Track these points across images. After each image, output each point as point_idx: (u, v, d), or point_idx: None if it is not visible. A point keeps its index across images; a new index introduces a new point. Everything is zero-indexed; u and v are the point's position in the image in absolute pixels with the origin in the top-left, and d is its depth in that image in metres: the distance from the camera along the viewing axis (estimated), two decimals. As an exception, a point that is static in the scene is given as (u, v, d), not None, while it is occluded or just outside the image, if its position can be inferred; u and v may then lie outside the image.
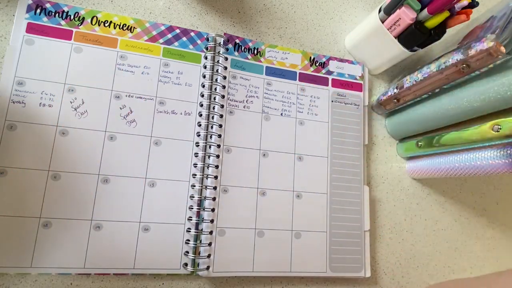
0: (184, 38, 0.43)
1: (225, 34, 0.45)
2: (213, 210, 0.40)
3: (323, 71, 0.49)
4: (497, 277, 0.26)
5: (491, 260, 0.53)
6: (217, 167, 0.41)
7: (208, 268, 0.39)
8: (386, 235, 0.48)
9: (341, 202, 0.45)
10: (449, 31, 0.44)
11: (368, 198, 0.47)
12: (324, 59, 0.49)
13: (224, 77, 0.44)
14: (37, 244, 0.35)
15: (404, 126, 0.49)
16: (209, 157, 0.41)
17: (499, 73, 0.35)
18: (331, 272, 0.43)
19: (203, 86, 0.43)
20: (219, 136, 0.42)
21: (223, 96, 0.43)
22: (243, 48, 0.46)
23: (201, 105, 0.42)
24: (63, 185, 0.36)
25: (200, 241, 0.39)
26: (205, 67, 0.43)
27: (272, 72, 0.46)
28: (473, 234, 0.53)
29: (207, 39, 0.44)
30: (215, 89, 0.43)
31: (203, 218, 0.39)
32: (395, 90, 0.46)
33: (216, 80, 0.43)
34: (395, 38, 0.44)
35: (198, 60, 0.43)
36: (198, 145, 0.41)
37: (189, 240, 0.39)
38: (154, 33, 0.42)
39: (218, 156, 0.41)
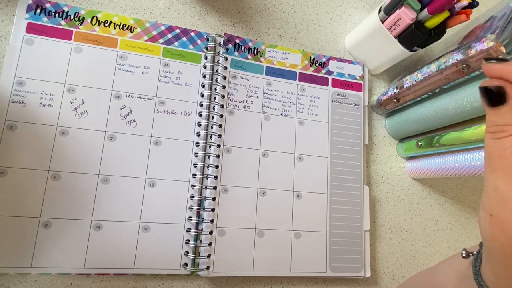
0: (184, 38, 0.43)
1: (225, 34, 0.45)
2: (213, 210, 0.40)
3: (323, 71, 0.49)
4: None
5: (491, 260, 0.53)
6: (217, 167, 0.41)
7: (208, 268, 0.39)
8: (386, 235, 0.48)
9: (341, 202, 0.45)
10: (449, 31, 0.44)
11: (368, 198, 0.47)
12: (324, 59, 0.49)
13: (224, 77, 0.44)
14: (37, 244, 0.35)
15: (404, 126, 0.49)
16: (209, 157, 0.41)
17: (499, 73, 0.35)
18: (331, 272, 0.43)
19: (203, 86, 0.43)
20: (219, 136, 0.42)
21: (223, 96, 0.43)
22: (243, 48, 0.46)
23: (201, 105, 0.42)
24: (63, 185, 0.36)
25: (200, 241, 0.39)
26: (205, 67, 0.43)
27: (272, 72, 0.46)
28: (473, 234, 0.53)
29: (207, 39, 0.44)
30: (215, 89, 0.43)
31: (203, 218, 0.39)
32: (395, 90, 0.46)
33: (216, 80, 0.43)
34: (395, 38, 0.44)
35: (198, 60, 0.43)
36: (198, 145, 0.41)
37: (189, 240, 0.39)
38: (154, 33, 0.42)
39: (218, 156, 0.41)
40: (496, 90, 0.15)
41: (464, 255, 0.23)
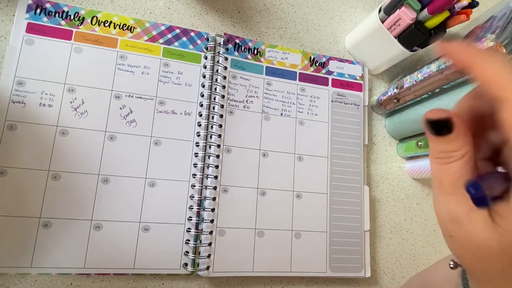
0: (184, 38, 0.43)
1: (225, 34, 0.45)
2: (213, 210, 0.40)
3: (323, 71, 0.49)
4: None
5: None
6: (217, 167, 0.41)
7: (208, 268, 0.39)
8: (386, 235, 0.48)
9: (341, 202, 0.45)
10: (449, 31, 0.44)
11: (368, 198, 0.47)
12: (324, 59, 0.49)
13: (224, 77, 0.44)
14: (37, 244, 0.35)
15: (404, 126, 0.49)
16: (209, 157, 0.41)
17: (499, 73, 0.35)
18: (331, 272, 0.43)
19: (203, 86, 0.43)
20: (219, 136, 0.42)
21: (223, 96, 0.43)
22: (243, 48, 0.46)
23: (201, 105, 0.42)
24: (63, 185, 0.36)
25: (200, 241, 0.39)
26: (205, 67, 0.43)
27: (272, 72, 0.46)
28: (473, 234, 0.53)
29: (207, 39, 0.44)
30: (215, 89, 0.43)
31: (203, 218, 0.39)
32: (395, 90, 0.46)
33: (216, 80, 0.43)
34: (395, 38, 0.44)
35: (198, 60, 0.43)
36: (198, 145, 0.41)
37: (189, 240, 0.39)
38: (154, 33, 0.42)
39: (218, 156, 0.41)
40: (443, 121, 0.15)
41: (452, 265, 0.23)
